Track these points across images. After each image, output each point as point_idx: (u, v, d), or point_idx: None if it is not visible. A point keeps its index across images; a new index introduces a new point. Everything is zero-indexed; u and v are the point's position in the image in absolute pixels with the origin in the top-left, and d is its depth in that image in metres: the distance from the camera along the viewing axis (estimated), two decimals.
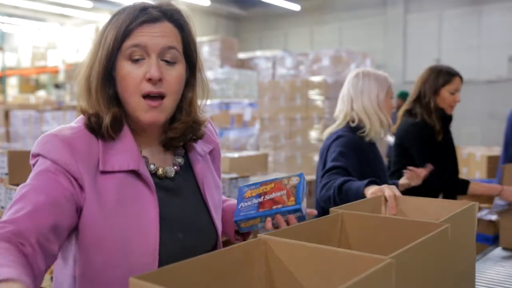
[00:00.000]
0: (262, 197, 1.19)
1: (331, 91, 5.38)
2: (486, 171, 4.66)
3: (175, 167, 1.14)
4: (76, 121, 1.09)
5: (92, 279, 1.00)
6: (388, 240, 0.96)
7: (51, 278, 2.03)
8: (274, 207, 1.15)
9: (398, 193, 1.36)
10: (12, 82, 13.29)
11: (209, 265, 0.73)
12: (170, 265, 0.68)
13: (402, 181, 2.24)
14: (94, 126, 1.03)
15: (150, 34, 1.04)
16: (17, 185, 2.17)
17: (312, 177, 3.88)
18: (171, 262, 0.69)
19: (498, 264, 1.89)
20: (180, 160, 1.16)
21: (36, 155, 1.01)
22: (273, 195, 1.18)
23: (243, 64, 8.42)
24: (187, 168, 1.17)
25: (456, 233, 0.96)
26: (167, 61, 1.05)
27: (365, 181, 1.64)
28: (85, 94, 1.06)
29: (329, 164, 1.97)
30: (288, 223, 1.13)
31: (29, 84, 13.64)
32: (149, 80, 1.02)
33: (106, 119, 1.02)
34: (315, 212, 1.25)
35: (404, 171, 2.29)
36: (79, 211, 0.99)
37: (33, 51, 12.25)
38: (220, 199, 1.26)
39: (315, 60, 7.35)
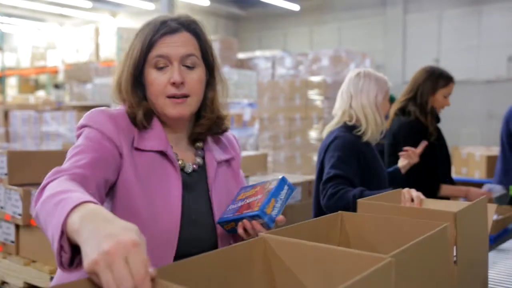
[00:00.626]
0: (245, 200, 1.21)
1: (330, 91, 5.38)
2: (486, 171, 4.66)
3: (194, 166, 1.28)
4: (116, 108, 1.25)
5: None
6: (388, 239, 0.96)
7: (51, 278, 2.03)
8: (244, 211, 1.15)
9: (422, 196, 1.51)
10: (12, 82, 13.29)
11: (210, 263, 0.74)
12: (175, 262, 0.70)
13: (402, 163, 2.35)
14: (131, 116, 1.21)
15: (171, 45, 1.20)
16: (17, 185, 2.18)
17: (312, 177, 3.88)
18: (186, 237, 1.00)
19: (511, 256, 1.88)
20: (199, 160, 1.30)
21: (83, 126, 1.17)
22: (251, 199, 1.19)
23: (242, 64, 8.43)
24: (203, 170, 1.30)
25: (468, 226, 0.99)
26: (187, 66, 1.21)
27: (388, 189, 1.71)
28: (118, 95, 1.25)
29: (331, 172, 1.99)
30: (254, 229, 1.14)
31: (29, 84, 13.64)
32: (173, 84, 1.19)
33: (139, 114, 1.20)
34: (282, 219, 1.17)
35: (400, 153, 2.37)
36: (118, 173, 1.15)
37: (33, 51, 12.25)
38: (227, 200, 1.31)
39: (314, 60, 7.35)
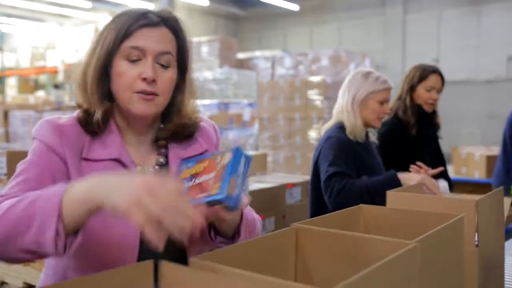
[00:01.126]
0: (193, 180, 1.01)
1: (330, 91, 5.38)
2: (485, 171, 4.66)
3: (155, 167, 1.19)
4: (75, 113, 1.17)
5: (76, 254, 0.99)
6: (407, 231, 0.99)
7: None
8: (198, 196, 0.95)
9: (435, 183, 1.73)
10: (11, 82, 13.28)
11: (246, 251, 0.77)
12: (209, 253, 0.71)
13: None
14: (82, 122, 1.12)
15: (148, 38, 1.11)
16: None
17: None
18: (149, 248, 0.77)
19: None
20: (162, 159, 1.20)
21: (33, 138, 1.12)
22: (202, 179, 0.99)
23: (242, 64, 8.42)
24: (166, 169, 1.20)
25: (487, 214, 1.06)
26: (162, 65, 1.12)
27: (392, 171, 1.90)
28: (81, 90, 1.15)
29: (330, 169, 1.99)
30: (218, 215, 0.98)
31: (28, 84, 13.63)
32: (144, 79, 1.09)
33: (98, 114, 1.10)
34: (247, 201, 1.01)
35: (412, 166, 2.22)
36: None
37: (32, 51, 12.25)
38: None
39: (314, 60, 7.35)
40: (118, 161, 1.11)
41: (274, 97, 5.65)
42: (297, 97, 5.48)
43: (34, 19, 14.17)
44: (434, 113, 2.69)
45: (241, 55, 8.80)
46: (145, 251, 1.03)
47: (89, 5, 12.12)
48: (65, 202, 0.83)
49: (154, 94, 1.10)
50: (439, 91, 2.63)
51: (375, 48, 11.18)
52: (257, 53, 9.03)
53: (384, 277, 0.62)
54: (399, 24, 11.31)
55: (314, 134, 5.38)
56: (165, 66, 1.12)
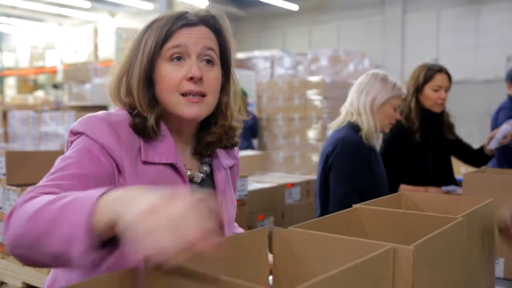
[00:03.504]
0: None
1: (329, 91, 5.38)
2: None
3: (201, 175, 1.17)
4: (116, 111, 1.11)
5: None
6: (405, 233, 1.00)
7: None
8: None
9: None
10: (10, 83, 13.27)
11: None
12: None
13: None
14: (138, 126, 1.06)
15: (189, 36, 1.09)
16: (15, 185, 2.17)
17: (311, 177, 3.88)
18: None
19: None
20: (206, 168, 1.19)
21: (79, 133, 1.03)
22: None
23: (241, 64, 8.42)
24: (209, 178, 1.19)
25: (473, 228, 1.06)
26: (207, 61, 1.10)
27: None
28: (117, 98, 1.11)
29: (346, 189, 1.99)
30: None
31: (27, 84, 13.62)
32: (190, 79, 1.06)
33: (151, 119, 1.06)
34: None
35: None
36: None
37: (31, 51, 12.23)
38: (234, 215, 1.27)
39: (313, 60, 7.35)
40: (173, 166, 1.08)
41: (273, 97, 5.65)
42: (296, 97, 5.48)
43: (33, 19, 14.16)
44: (441, 115, 2.57)
45: (240, 55, 8.80)
46: None
47: (88, 5, 12.12)
48: (97, 209, 0.71)
49: (202, 94, 1.08)
50: (447, 90, 2.52)
51: (374, 47, 11.18)
52: (256, 53, 9.03)
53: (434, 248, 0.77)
54: (398, 23, 11.31)
55: (313, 134, 5.37)
56: (209, 62, 1.10)
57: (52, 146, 6.82)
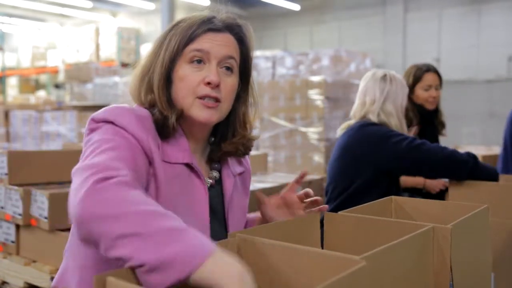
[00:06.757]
0: None
1: (331, 90, 5.38)
2: None
3: (211, 180, 1.18)
4: (136, 107, 1.11)
5: None
6: (440, 221, 1.08)
7: (51, 278, 2.03)
8: None
9: None
10: (12, 82, 13.30)
11: None
12: None
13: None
14: (160, 124, 1.07)
15: (213, 42, 1.10)
16: (17, 185, 2.17)
17: (313, 177, 3.88)
18: None
19: None
20: (216, 174, 1.20)
21: (106, 121, 1.01)
22: None
23: None
24: (218, 184, 1.20)
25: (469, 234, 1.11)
26: (226, 68, 1.11)
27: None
28: (145, 92, 1.11)
29: (419, 141, 1.99)
30: None
31: (29, 84, 13.65)
32: (208, 84, 1.08)
33: (172, 118, 1.07)
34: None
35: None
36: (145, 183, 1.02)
37: (33, 51, 12.26)
38: (243, 220, 1.26)
39: (314, 59, 7.35)
40: (189, 166, 1.10)
41: (274, 97, 5.65)
42: (297, 97, 5.49)
43: (35, 19, 14.18)
44: (436, 112, 2.64)
45: None
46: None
47: (90, 5, 12.13)
48: (205, 266, 0.70)
49: (217, 99, 1.09)
50: (438, 88, 2.58)
51: (375, 47, 11.18)
52: (258, 52, 9.02)
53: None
54: (400, 23, 11.31)
55: (315, 134, 5.37)
56: (229, 69, 1.12)
57: (53, 146, 6.83)
